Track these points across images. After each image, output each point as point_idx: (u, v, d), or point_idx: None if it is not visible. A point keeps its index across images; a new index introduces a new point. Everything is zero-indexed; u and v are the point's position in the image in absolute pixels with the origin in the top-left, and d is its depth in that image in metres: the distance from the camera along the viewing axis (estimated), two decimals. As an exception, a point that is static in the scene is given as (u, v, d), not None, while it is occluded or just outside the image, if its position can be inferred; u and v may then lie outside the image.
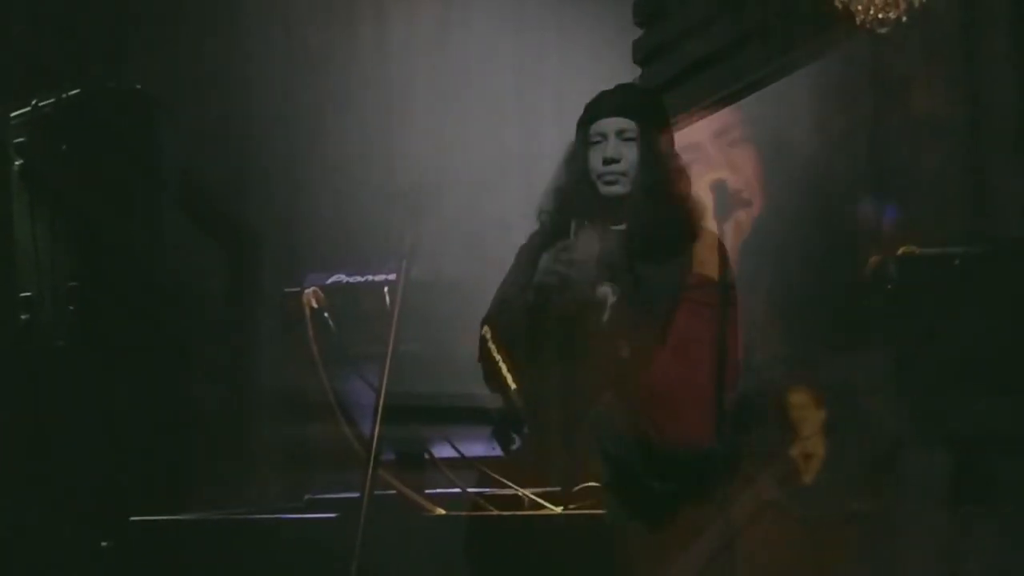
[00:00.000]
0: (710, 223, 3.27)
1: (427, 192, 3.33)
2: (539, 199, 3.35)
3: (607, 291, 3.21)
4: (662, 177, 3.30)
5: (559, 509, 3.16)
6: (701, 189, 3.35)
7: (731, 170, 4.45)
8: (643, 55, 4.18)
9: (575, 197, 3.32)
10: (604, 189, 3.30)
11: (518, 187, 4.21)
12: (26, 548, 3.68)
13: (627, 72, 4.09)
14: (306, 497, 3.59)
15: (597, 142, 3.32)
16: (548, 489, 3.18)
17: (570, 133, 3.37)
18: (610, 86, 3.39)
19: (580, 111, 3.36)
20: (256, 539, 3.40)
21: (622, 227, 3.29)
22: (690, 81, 4.00)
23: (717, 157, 4.48)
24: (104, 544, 3.60)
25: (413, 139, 4.37)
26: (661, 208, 3.28)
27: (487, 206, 4.25)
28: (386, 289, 3.41)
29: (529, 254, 3.31)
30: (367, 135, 4.40)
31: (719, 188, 3.27)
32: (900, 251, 3.44)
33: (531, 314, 3.19)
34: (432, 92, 4.45)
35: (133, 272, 4.02)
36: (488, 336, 3.23)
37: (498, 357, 3.18)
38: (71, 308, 3.94)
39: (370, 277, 3.59)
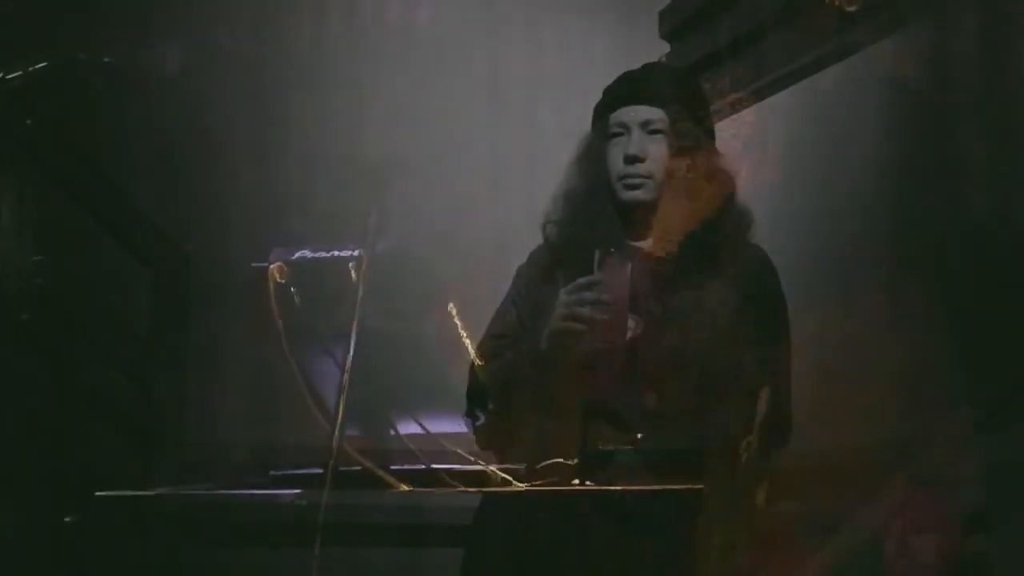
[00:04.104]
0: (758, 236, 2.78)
1: (394, 168, 3.31)
2: (545, 205, 2.88)
3: (631, 324, 2.75)
4: (697, 182, 2.76)
5: (523, 486, 3.15)
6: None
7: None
8: (672, 27, 3.58)
9: (588, 205, 2.81)
10: (625, 194, 2.78)
11: (487, 163, 4.19)
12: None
13: (653, 48, 3.63)
14: (271, 473, 3.59)
15: (617, 135, 2.79)
16: (512, 466, 3.17)
17: (566, 118, 2.99)
18: (633, 65, 2.89)
19: (570, 88, 3.01)
20: (221, 515, 3.40)
21: (647, 243, 2.83)
22: (732, 60, 3.37)
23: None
24: (68, 519, 3.59)
25: (380, 113, 4.35)
26: (695, 222, 2.74)
27: (455, 182, 4.23)
28: (351, 265, 3.39)
29: (532, 279, 2.91)
30: (333, 109, 4.38)
31: None
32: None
33: (543, 363, 2.77)
34: (400, 64, 4.41)
35: (99, 246, 4.03)
36: (454, 313, 3.15)
37: (463, 333, 3.12)
38: (37, 282, 3.93)
39: (336, 253, 3.57)
